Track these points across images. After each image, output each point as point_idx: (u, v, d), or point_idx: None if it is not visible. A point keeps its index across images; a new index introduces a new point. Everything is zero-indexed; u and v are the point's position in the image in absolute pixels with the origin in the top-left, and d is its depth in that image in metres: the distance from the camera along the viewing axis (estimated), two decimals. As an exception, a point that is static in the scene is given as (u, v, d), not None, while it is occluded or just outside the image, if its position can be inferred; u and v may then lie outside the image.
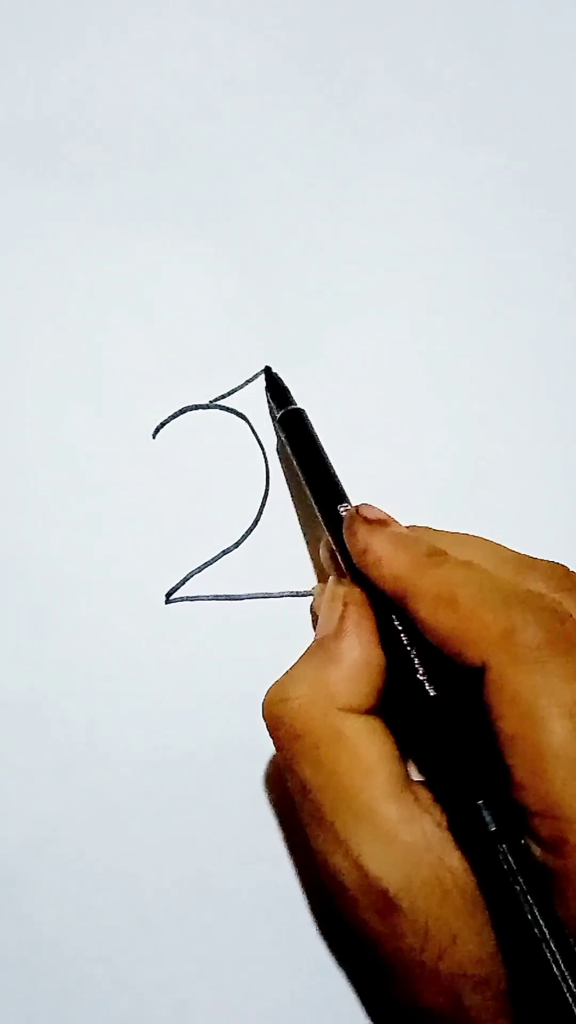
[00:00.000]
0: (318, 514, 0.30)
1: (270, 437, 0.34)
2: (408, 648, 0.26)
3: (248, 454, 0.34)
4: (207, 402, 0.34)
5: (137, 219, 0.36)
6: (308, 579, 0.33)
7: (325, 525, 0.30)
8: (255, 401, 0.35)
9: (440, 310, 0.36)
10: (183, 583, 0.33)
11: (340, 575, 0.29)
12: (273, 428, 0.34)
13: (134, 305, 0.35)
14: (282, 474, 0.34)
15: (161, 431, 0.34)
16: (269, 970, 0.30)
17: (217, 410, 0.34)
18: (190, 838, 0.31)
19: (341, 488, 0.30)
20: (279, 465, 0.34)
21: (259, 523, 0.34)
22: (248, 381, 0.35)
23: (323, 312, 0.35)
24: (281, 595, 0.33)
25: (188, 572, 0.33)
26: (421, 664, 0.25)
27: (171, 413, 0.34)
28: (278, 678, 0.27)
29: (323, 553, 0.31)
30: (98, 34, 0.37)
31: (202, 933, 0.30)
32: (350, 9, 0.38)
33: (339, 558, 0.29)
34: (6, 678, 0.32)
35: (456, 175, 0.37)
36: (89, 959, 0.30)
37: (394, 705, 0.26)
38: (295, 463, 0.32)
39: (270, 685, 0.27)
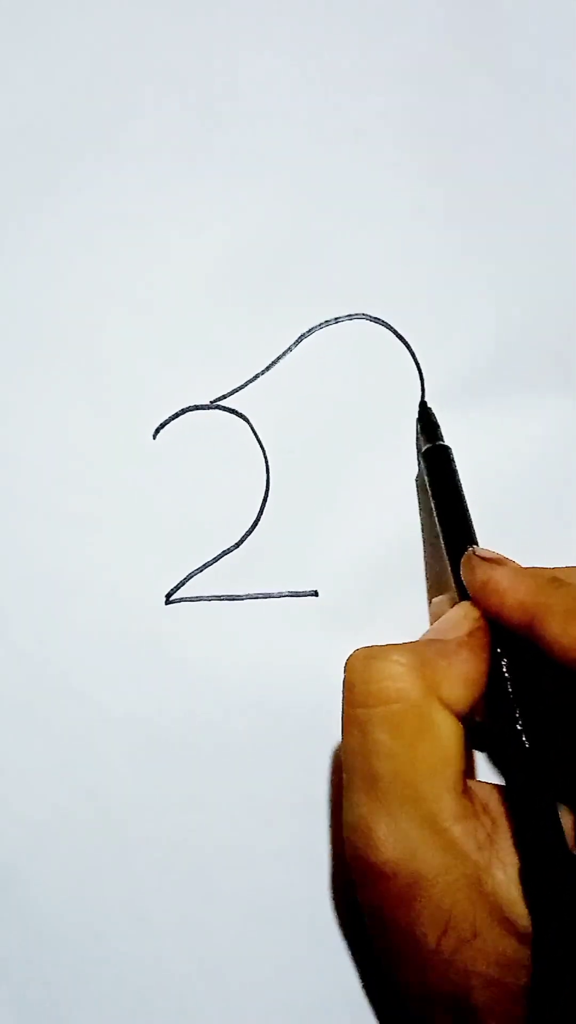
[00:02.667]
0: (445, 553, 0.31)
1: (270, 437, 0.34)
2: (511, 695, 0.26)
3: (249, 455, 0.34)
4: (208, 402, 0.34)
5: (137, 218, 0.36)
6: (308, 579, 0.33)
7: (451, 565, 0.30)
8: (256, 401, 0.34)
9: (448, 309, 0.36)
10: (183, 584, 0.33)
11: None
12: (417, 460, 0.34)
13: (134, 305, 0.35)
14: (282, 475, 0.34)
15: (161, 431, 0.34)
16: (269, 970, 0.30)
17: (218, 411, 0.34)
18: (190, 838, 0.31)
19: (472, 531, 0.31)
20: (279, 466, 0.34)
21: (259, 524, 0.33)
22: (249, 381, 0.35)
23: (325, 312, 0.35)
24: (281, 595, 0.33)
25: (188, 573, 0.33)
26: (521, 715, 0.26)
27: (172, 413, 0.34)
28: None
29: (438, 610, 0.32)
30: (98, 32, 0.37)
31: (202, 933, 0.31)
32: (351, 13, 0.38)
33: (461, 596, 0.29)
34: (6, 678, 0.32)
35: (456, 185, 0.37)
36: (89, 959, 0.30)
37: (487, 739, 0.27)
38: (431, 498, 0.32)
39: (357, 648, 0.27)
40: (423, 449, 0.33)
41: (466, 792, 0.25)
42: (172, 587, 0.33)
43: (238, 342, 0.35)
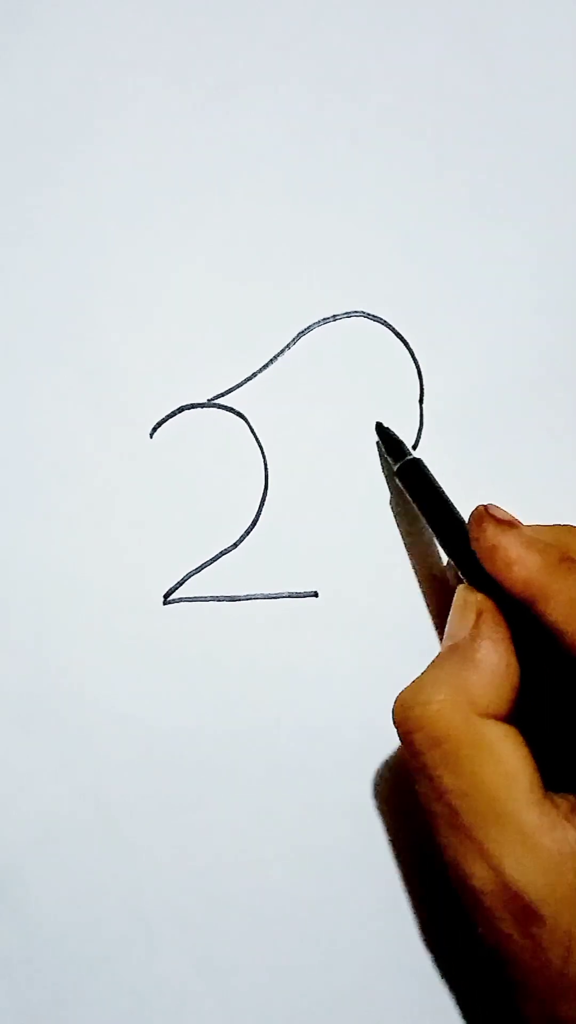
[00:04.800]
0: (448, 557, 0.30)
1: (269, 436, 0.34)
2: (540, 656, 0.26)
3: (247, 453, 0.34)
4: (205, 401, 0.34)
5: (135, 215, 0.36)
6: (307, 579, 0.33)
7: (458, 565, 0.29)
8: (254, 400, 0.34)
9: (437, 305, 0.36)
10: (181, 584, 0.33)
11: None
12: (383, 472, 0.34)
13: (131, 302, 0.35)
14: (281, 474, 0.34)
15: (159, 430, 0.34)
16: (269, 970, 0.30)
17: (215, 409, 0.34)
18: (189, 838, 0.31)
19: (465, 528, 0.29)
20: (277, 465, 0.34)
21: (258, 523, 0.33)
22: (247, 380, 0.34)
23: (323, 310, 0.35)
24: (280, 595, 0.33)
25: (186, 573, 0.33)
26: (554, 673, 0.26)
27: (169, 412, 0.34)
28: (409, 684, 0.26)
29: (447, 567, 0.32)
30: (97, 32, 0.37)
31: (202, 933, 0.31)
32: (350, 10, 0.37)
33: (464, 568, 0.29)
34: (5, 678, 0.32)
35: (453, 179, 0.37)
36: (89, 959, 0.31)
37: (527, 713, 0.26)
38: (419, 511, 0.32)
39: (400, 691, 0.26)
40: (396, 467, 0.32)
41: (547, 797, 0.25)
42: (170, 587, 0.33)
43: (236, 340, 0.35)
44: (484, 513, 0.28)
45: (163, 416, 0.34)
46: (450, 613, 0.28)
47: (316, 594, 0.33)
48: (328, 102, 0.37)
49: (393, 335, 0.35)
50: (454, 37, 0.37)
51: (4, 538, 0.33)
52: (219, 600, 0.33)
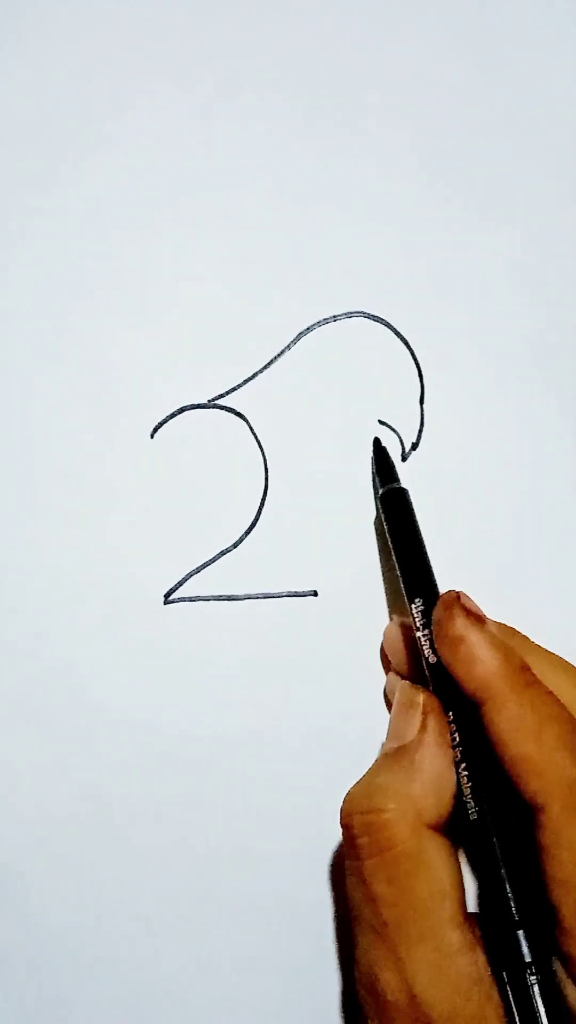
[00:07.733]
0: (405, 599, 0.30)
1: (269, 437, 0.34)
2: (461, 763, 0.26)
3: (247, 454, 0.34)
4: (206, 401, 0.34)
5: (135, 216, 0.36)
6: (307, 579, 0.33)
7: (411, 611, 0.29)
8: (254, 400, 0.34)
9: (435, 310, 0.36)
10: (182, 584, 0.33)
11: (407, 666, 0.30)
12: (373, 494, 0.33)
13: (132, 303, 0.35)
14: (281, 474, 0.34)
15: (159, 431, 0.34)
16: (269, 970, 0.30)
17: (216, 409, 0.34)
18: (189, 838, 0.31)
19: (433, 578, 0.30)
20: (278, 465, 0.34)
21: (258, 523, 0.33)
22: (247, 380, 0.34)
23: (323, 310, 0.35)
24: (280, 595, 0.33)
25: (187, 573, 0.33)
26: (471, 780, 0.26)
27: (169, 413, 0.34)
28: (357, 783, 0.27)
29: (391, 636, 0.31)
30: (97, 32, 0.37)
31: (202, 933, 0.31)
32: (349, 12, 0.37)
33: (420, 645, 0.29)
34: (6, 678, 0.32)
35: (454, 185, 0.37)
36: (89, 959, 0.31)
37: (458, 818, 0.27)
38: (390, 543, 0.31)
39: (350, 789, 0.27)
40: (380, 492, 0.32)
41: (469, 918, 0.25)
42: (171, 587, 0.33)
43: (236, 340, 0.35)
44: (455, 601, 0.27)
45: (164, 417, 0.34)
46: (394, 708, 0.28)
47: (316, 593, 0.33)
48: (328, 103, 0.37)
49: (393, 335, 0.35)
50: (452, 37, 0.37)
51: (5, 538, 0.33)
52: (219, 600, 0.33)
